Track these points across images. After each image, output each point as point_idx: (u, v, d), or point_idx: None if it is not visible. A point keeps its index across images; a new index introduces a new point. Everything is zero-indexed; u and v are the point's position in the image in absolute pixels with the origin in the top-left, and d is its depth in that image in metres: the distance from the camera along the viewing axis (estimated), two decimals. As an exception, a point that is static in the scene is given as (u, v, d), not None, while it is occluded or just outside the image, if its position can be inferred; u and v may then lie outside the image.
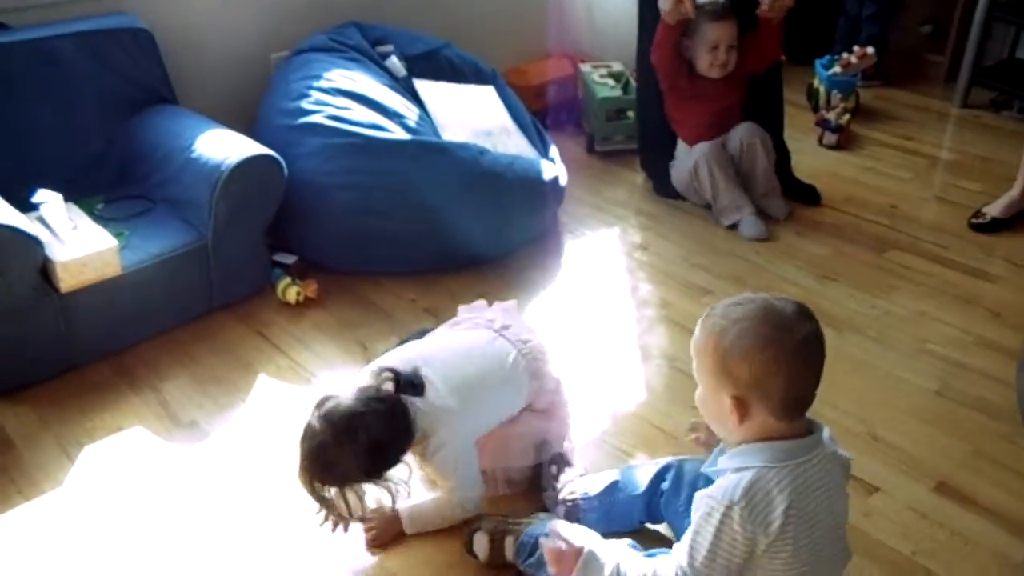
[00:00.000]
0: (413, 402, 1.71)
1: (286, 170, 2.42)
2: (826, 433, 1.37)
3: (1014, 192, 2.92)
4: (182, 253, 2.34)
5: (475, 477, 1.81)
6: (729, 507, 1.28)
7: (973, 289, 2.65)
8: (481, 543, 1.71)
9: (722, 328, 1.31)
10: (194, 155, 2.38)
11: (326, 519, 1.70)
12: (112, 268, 2.17)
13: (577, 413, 2.03)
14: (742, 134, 2.91)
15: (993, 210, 2.94)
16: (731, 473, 1.32)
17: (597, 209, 3.09)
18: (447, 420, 1.75)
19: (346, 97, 2.62)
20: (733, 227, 2.91)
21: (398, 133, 2.59)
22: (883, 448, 2.03)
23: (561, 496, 1.80)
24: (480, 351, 1.89)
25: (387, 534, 1.80)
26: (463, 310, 2.08)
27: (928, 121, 3.81)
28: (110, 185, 2.53)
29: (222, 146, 2.37)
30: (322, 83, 2.65)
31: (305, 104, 2.60)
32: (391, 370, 1.71)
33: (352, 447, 1.60)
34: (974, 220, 2.95)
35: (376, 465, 1.65)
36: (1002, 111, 3.86)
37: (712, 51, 2.83)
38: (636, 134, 3.36)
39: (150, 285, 2.29)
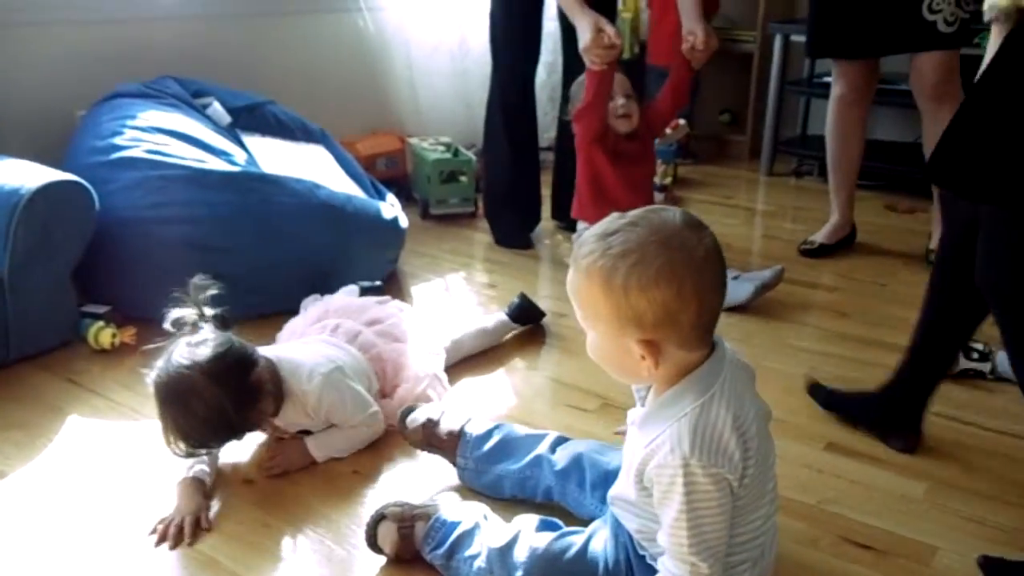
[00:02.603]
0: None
1: (97, 201, 2.17)
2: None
3: (835, 219, 3.08)
4: (-29, 288, 2.01)
5: (364, 395, 1.81)
6: (685, 464, 1.11)
7: (815, 298, 2.72)
8: (388, 533, 1.46)
9: (607, 267, 1.09)
10: (-14, 184, 2.10)
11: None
12: None
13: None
14: None
15: (819, 237, 3.08)
16: (667, 431, 1.14)
17: (439, 261, 2.99)
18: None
19: (166, 135, 2.43)
20: None
21: (224, 168, 2.41)
22: (766, 422, 1.95)
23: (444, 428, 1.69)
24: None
25: (294, 463, 1.75)
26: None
27: (741, 185, 4.04)
28: None
29: (20, 173, 2.11)
30: (138, 122, 2.44)
31: (119, 140, 2.38)
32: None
33: (199, 368, 1.57)
34: (803, 247, 3.07)
35: (236, 375, 1.62)
36: (804, 177, 4.15)
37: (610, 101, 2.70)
38: (471, 196, 3.37)
39: (-69, 325, 1.95)
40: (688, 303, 1.09)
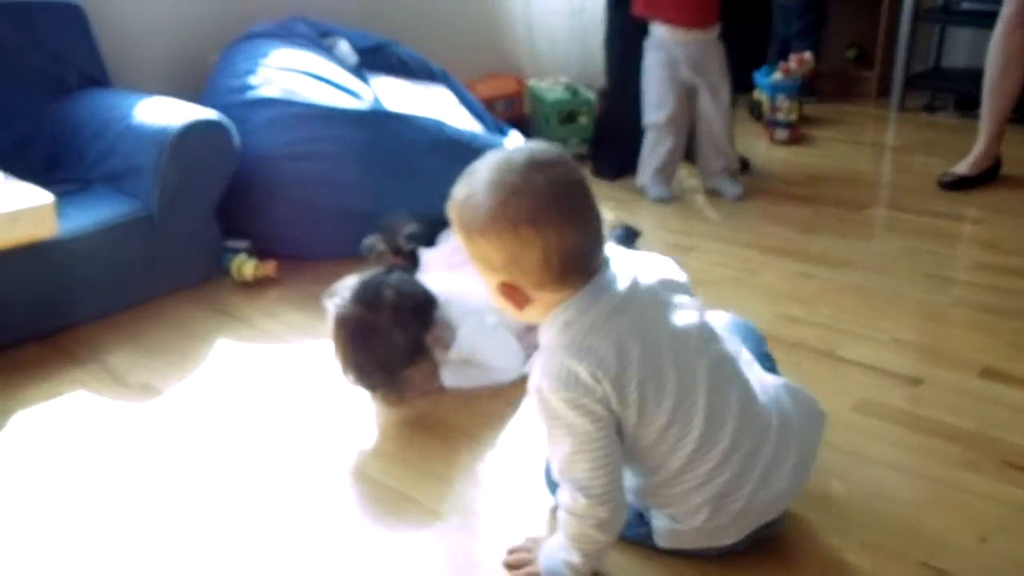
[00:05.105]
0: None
1: (237, 138, 2.24)
2: (623, 276, 1.15)
3: (979, 149, 2.92)
4: (125, 222, 2.10)
5: (515, 348, 1.78)
6: (539, 390, 1.13)
7: (959, 229, 2.60)
8: None
9: (458, 208, 1.10)
10: (135, 123, 2.19)
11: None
12: (47, 227, 1.90)
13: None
14: (708, 107, 2.84)
15: (960, 168, 2.92)
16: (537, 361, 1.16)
17: (562, 200, 2.97)
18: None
19: (298, 74, 2.47)
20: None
21: (355, 106, 2.44)
22: (912, 349, 1.89)
23: None
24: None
25: (424, 389, 1.73)
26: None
27: (870, 122, 3.86)
28: (39, 172, 2.27)
29: (166, 113, 2.19)
30: (270, 61, 2.50)
31: (253, 80, 2.44)
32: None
33: (386, 311, 1.59)
34: (943, 179, 2.92)
35: (415, 322, 1.62)
36: (937, 112, 3.94)
37: None
38: (590, 137, 3.32)
39: (90, 256, 2.04)
40: (529, 244, 1.06)
